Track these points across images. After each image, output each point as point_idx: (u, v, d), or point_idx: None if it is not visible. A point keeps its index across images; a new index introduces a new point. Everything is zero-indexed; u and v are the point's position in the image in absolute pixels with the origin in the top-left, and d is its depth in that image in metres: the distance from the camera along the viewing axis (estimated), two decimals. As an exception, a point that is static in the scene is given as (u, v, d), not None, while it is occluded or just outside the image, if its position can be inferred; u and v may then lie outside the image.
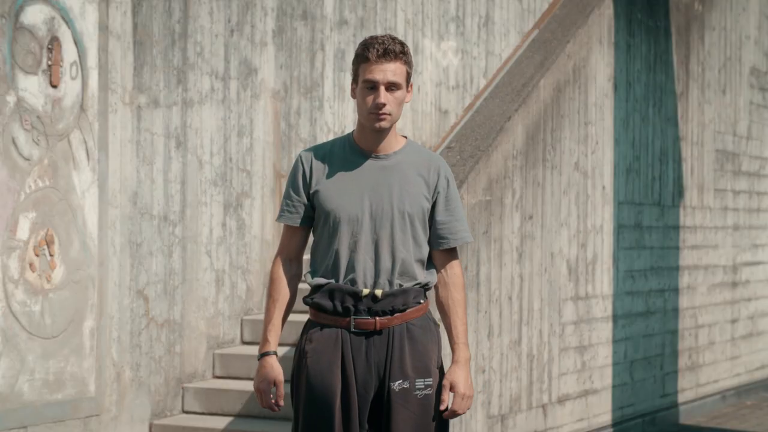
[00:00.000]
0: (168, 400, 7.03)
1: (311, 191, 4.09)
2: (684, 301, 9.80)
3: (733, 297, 10.78)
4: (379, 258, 4.02)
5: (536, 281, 7.62)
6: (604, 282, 8.49)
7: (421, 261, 4.10)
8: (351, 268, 4.02)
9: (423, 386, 4.00)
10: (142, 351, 6.83)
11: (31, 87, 6.16)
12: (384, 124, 4.00)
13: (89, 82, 6.50)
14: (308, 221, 4.13)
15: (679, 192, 9.71)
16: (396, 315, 4.01)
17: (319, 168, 4.09)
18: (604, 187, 8.46)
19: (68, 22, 6.38)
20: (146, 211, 6.86)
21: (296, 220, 4.12)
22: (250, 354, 7.29)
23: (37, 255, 6.17)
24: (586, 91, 8.21)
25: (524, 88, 7.54)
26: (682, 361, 9.77)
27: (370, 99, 3.99)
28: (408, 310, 4.04)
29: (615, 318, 8.66)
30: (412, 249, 4.06)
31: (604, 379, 8.51)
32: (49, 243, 6.25)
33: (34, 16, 6.18)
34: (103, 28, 6.58)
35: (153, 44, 6.92)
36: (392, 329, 4.00)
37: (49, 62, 6.26)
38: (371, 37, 4.01)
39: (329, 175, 4.07)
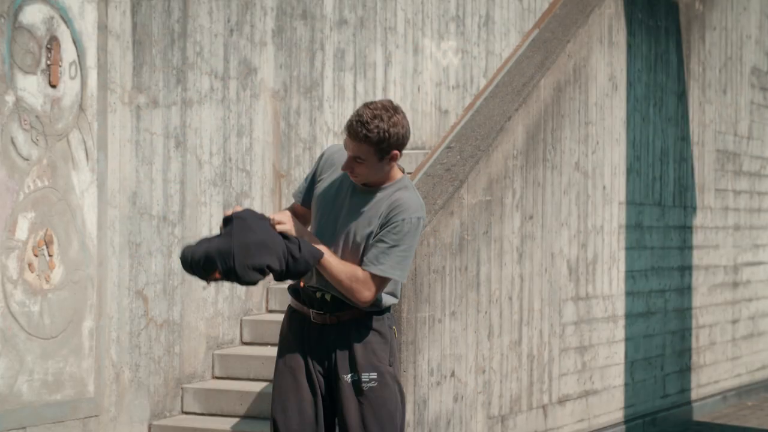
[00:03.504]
0: (167, 401, 7.01)
1: (314, 186, 4.71)
2: (684, 302, 9.78)
3: (734, 297, 10.77)
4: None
5: (536, 281, 7.60)
6: (604, 282, 8.48)
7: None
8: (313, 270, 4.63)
9: (368, 379, 4.57)
10: (141, 351, 6.82)
11: (30, 87, 6.14)
12: (358, 181, 4.57)
13: (88, 81, 6.49)
14: (309, 204, 4.76)
15: (679, 192, 9.70)
16: (346, 311, 4.59)
17: (330, 171, 4.68)
18: (604, 187, 8.45)
19: (67, 21, 6.37)
20: (145, 211, 6.85)
21: (299, 198, 4.77)
22: (249, 354, 7.27)
23: (36, 255, 6.16)
24: (587, 90, 8.19)
25: (524, 87, 7.53)
26: (683, 362, 9.76)
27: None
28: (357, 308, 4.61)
29: (615, 318, 8.65)
30: None
31: (605, 379, 8.50)
32: (48, 243, 6.23)
33: (33, 15, 6.16)
34: (102, 27, 6.57)
35: (152, 44, 6.91)
36: (343, 326, 4.59)
37: (48, 62, 6.24)
38: (357, 110, 4.50)
39: (329, 184, 4.65)
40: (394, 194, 4.59)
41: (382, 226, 4.55)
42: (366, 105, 4.51)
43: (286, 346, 4.70)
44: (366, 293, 4.53)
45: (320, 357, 4.61)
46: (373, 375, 4.57)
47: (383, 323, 4.64)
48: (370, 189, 4.59)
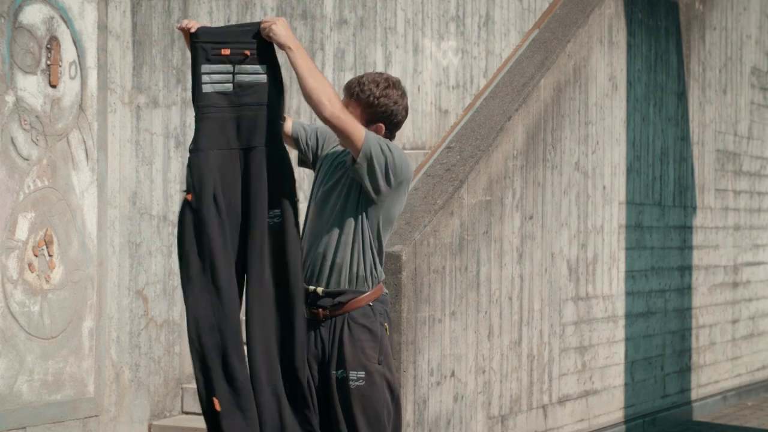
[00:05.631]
0: (167, 401, 7.01)
1: (319, 144, 4.78)
2: (685, 302, 9.79)
3: (734, 297, 10.77)
4: (323, 256, 4.61)
5: (536, 281, 7.60)
6: (604, 282, 8.48)
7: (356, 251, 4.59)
8: (306, 262, 4.65)
9: (355, 378, 4.57)
10: (141, 351, 6.82)
11: (30, 87, 6.14)
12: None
13: (88, 81, 6.49)
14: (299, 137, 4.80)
15: (679, 192, 9.70)
16: (336, 308, 4.60)
17: (333, 145, 4.73)
18: (604, 187, 8.45)
19: (67, 21, 6.37)
20: (145, 211, 6.85)
21: (300, 127, 4.79)
22: (249, 354, 7.27)
23: (36, 255, 6.16)
24: (587, 90, 8.19)
25: (524, 87, 7.53)
26: (683, 362, 9.76)
27: None
28: (350, 302, 4.60)
29: (615, 318, 8.65)
30: (349, 252, 4.59)
31: (605, 379, 8.50)
32: (48, 243, 6.23)
33: (33, 15, 6.16)
34: (102, 27, 6.57)
35: (152, 44, 6.91)
36: (335, 321, 4.60)
37: (48, 62, 6.24)
38: (366, 72, 4.70)
39: (333, 157, 4.71)
40: None
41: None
42: (375, 72, 4.61)
43: None
44: (324, 108, 4.39)
45: (314, 354, 4.64)
46: (361, 374, 4.58)
47: (374, 320, 4.62)
48: None
